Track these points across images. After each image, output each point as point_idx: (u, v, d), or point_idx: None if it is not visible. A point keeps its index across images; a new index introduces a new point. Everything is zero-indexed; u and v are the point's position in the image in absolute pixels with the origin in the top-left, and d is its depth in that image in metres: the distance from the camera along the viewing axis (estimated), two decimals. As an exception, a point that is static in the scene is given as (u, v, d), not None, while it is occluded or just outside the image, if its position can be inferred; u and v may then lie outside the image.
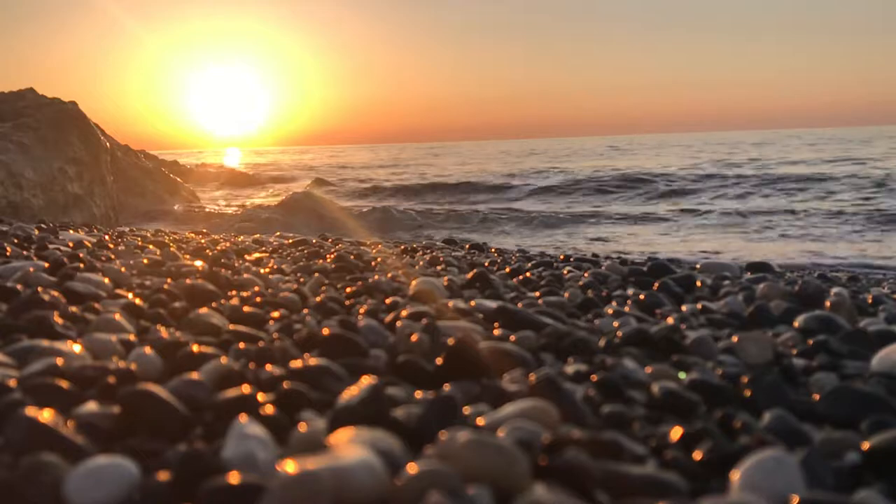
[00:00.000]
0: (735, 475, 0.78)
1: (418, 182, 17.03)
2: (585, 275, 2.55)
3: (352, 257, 2.85)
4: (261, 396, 0.97)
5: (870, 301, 2.16)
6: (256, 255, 3.00)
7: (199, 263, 2.38)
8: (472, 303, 1.79)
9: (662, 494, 0.76)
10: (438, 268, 2.82)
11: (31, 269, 1.91)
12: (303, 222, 9.45)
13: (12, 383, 0.98)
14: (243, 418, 0.84)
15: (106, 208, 6.76)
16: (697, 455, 0.88)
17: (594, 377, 1.17)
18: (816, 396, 1.13)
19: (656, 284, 2.28)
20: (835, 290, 2.04)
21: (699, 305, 1.96)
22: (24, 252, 2.48)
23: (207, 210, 11.72)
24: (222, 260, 2.58)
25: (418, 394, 1.08)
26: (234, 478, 0.70)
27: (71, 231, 3.71)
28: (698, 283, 2.33)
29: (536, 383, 1.05)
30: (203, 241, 3.62)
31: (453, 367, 1.17)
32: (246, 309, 1.63)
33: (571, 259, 3.37)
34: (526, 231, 8.95)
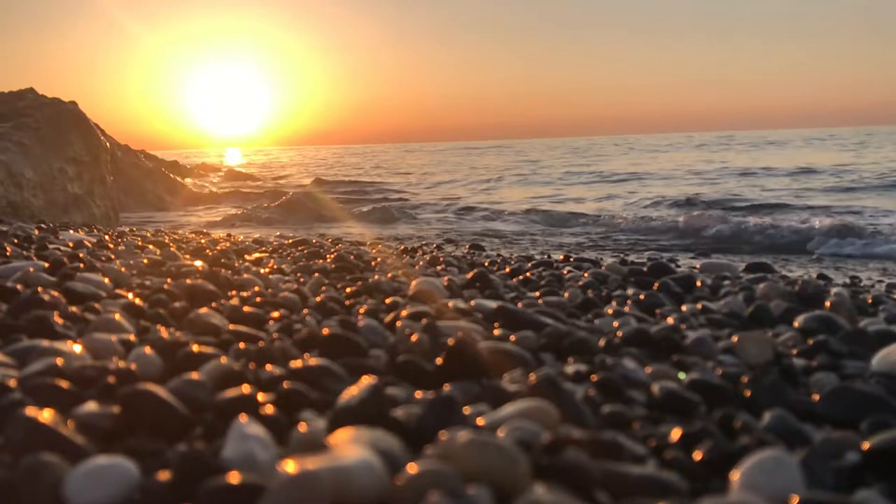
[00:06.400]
0: (735, 475, 0.78)
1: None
2: (585, 275, 2.55)
3: (352, 257, 2.85)
4: (261, 396, 0.97)
5: (870, 301, 2.16)
6: (256, 255, 3.00)
7: (199, 263, 2.38)
8: (472, 303, 1.79)
9: (662, 494, 0.76)
10: (438, 268, 2.82)
11: (31, 269, 1.91)
12: (303, 222, 9.46)
13: (12, 383, 0.98)
14: (243, 418, 0.84)
15: (106, 208, 6.76)
16: (697, 455, 0.88)
17: (594, 377, 1.17)
18: (816, 396, 1.13)
19: (656, 284, 2.28)
20: (835, 290, 2.04)
21: (699, 305, 1.95)
22: (24, 252, 2.48)
23: (206, 209, 11.73)
24: (222, 260, 2.58)
25: (418, 394, 1.08)
26: (234, 478, 0.70)
27: (71, 231, 3.71)
28: (698, 283, 2.33)
29: (536, 383, 1.05)
30: (203, 241, 3.63)
31: (453, 367, 1.17)
32: (246, 309, 1.63)
33: (571, 259, 3.37)
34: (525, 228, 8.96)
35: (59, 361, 1.08)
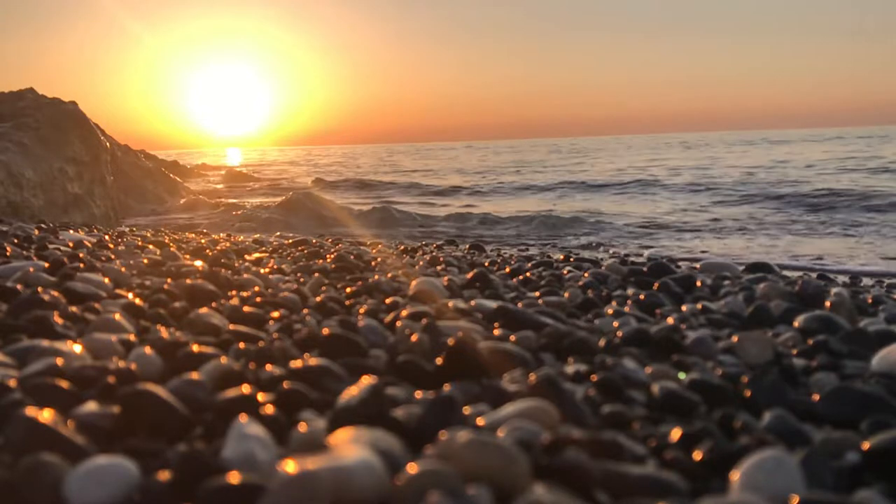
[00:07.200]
0: (735, 475, 0.78)
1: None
2: (585, 275, 2.55)
3: (352, 257, 2.85)
4: (261, 396, 0.97)
5: (870, 301, 2.16)
6: (256, 255, 3.00)
7: (199, 263, 2.38)
8: (472, 303, 1.79)
9: (662, 494, 0.76)
10: (438, 268, 2.82)
11: (31, 269, 1.91)
12: (303, 222, 9.45)
13: (12, 383, 0.98)
14: (243, 418, 0.84)
15: (106, 208, 6.76)
16: (697, 455, 0.88)
17: (594, 377, 1.17)
18: (816, 396, 1.13)
19: (656, 284, 2.28)
20: (835, 290, 2.04)
21: (699, 305, 1.96)
22: (24, 252, 2.48)
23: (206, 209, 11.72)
24: (222, 260, 2.58)
25: (418, 394, 1.08)
26: (234, 478, 0.70)
27: (71, 231, 3.71)
28: (698, 283, 2.33)
29: (536, 383, 1.05)
30: (203, 241, 3.63)
31: (453, 367, 1.17)
32: (246, 309, 1.63)
33: (571, 259, 3.37)
34: (524, 230, 8.92)
35: (59, 361, 1.08)
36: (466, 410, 0.99)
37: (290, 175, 23.83)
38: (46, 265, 2.05)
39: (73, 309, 1.53)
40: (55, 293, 1.61)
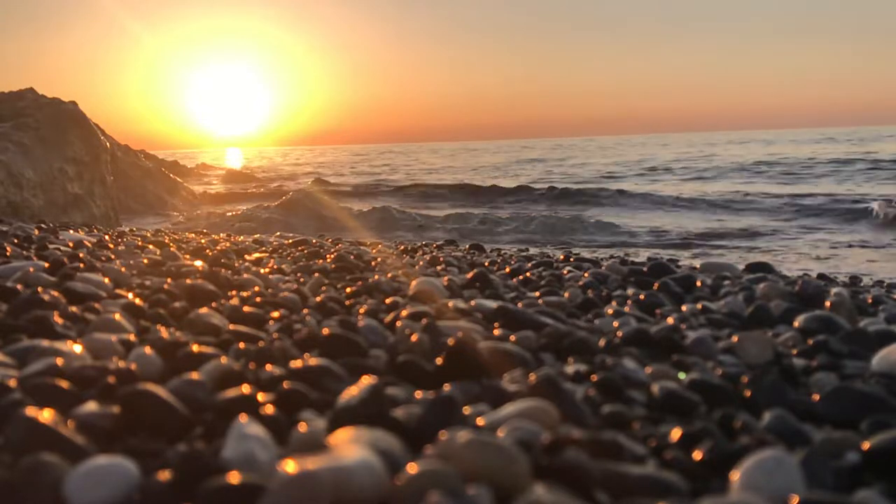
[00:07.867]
0: (735, 475, 0.78)
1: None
2: (585, 275, 2.55)
3: (352, 257, 2.84)
4: (261, 396, 0.97)
5: (870, 301, 2.16)
6: (256, 255, 3.00)
7: (199, 263, 2.38)
8: (472, 303, 1.79)
9: (662, 494, 0.76)
10: (438, 268, 2.82)
11: (31, 269, 1.91)
12: (303, 222, 9.45)
13: (12, 383, 0.98)
14: (243, 418, 0.84)
15: (106, 208, 6.76)
16: (697, 455, 0.88)
17: (594, 377, 1.17)
18: (816, 396, 1.13)
19: (656, 284, 2.28)
20: (835, 290, 2.04)
21: (699, 305, 1.95)
22: (24, 252, 2.48)
23: (206, 210, 11.73)
24: (222, 260, 2.58)
25: (418, 394, 1.08)
26: (234, 478, 0.70)
27: (71, 231, 3.71)
28: (698, 283, 2.33)
29: (536, 383, 1.05)
30: (203, 241, 3.63)
31: (453, 367, 1.17)
32: (246, 309, 1.63)
33: (571, 259, 3.37)
34: (525, 232, 8.90)
35: (59, 361, 1.08)
36: (466, 410, 0.99)
37: (290, 175, 23.83)
38: (46, 265, 2.05)
39: (73, 309, 1.53)
40: (55, 293, 1.61)
